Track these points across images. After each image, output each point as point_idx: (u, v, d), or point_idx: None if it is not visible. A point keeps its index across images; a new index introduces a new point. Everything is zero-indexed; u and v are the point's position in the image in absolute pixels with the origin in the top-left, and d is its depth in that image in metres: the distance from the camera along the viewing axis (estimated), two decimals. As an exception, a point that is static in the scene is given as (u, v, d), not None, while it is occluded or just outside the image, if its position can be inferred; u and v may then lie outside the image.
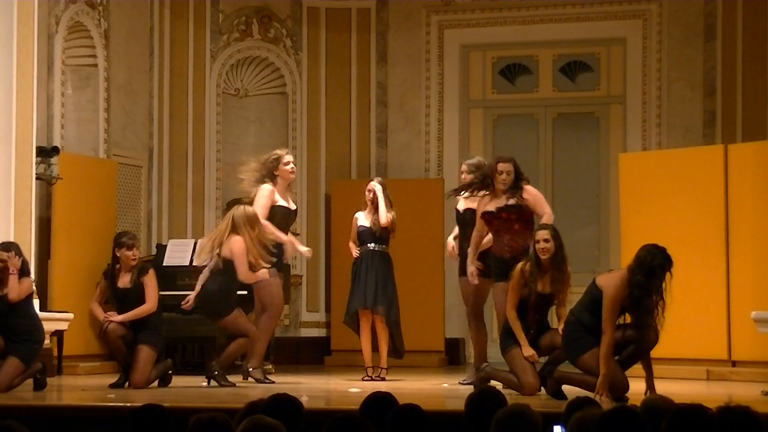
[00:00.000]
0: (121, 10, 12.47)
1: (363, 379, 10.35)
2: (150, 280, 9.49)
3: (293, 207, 10.50)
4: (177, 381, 10.05)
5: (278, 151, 10.53)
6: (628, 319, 8.21)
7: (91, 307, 9.73)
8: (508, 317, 8.58)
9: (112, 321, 9.39)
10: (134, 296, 9.46)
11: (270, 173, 10.35)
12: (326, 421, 4.27)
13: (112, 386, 9.25)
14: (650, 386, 8.20)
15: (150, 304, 9.45)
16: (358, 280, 10.53)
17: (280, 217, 10.30)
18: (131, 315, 9.42)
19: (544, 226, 8.78)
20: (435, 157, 13.64)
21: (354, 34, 13.76)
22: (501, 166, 9.19)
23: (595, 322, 8.00)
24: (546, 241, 8.50)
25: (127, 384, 9.35)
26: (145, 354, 9.39)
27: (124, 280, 9.52)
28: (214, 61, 13.52)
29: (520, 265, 8.62)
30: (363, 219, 10.68)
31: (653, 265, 7.96)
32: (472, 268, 9.39)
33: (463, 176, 9.92)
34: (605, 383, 7.89)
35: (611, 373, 7.92)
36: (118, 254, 9.55)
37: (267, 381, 9.90)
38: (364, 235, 10.63)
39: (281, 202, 10.33)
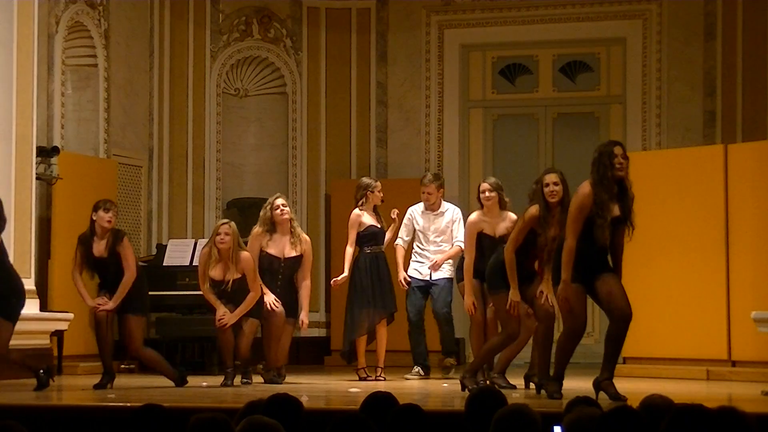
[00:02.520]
0: (121, 10, 12.47)
1: (361, 379, 10.36)
2: (125, 249, 9.37)
3: (289, 255, 10.15)
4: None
5: (270, 199, 10.33)
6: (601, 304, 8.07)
7: (74, 279, 9.48)
8: (507, 259, 8.52)
9: (104, 310, 9.31)
10: (112, 266, 9.34)
11: (268, 220, 10.20)
12: (329, 420, 4.26)
13: (96, 387, 9.17)
14: (609, 371, 7.96)
15: (130, 273, 9.33)
16: (378, 282, 10.46)
17: (267, 264, 10.09)
18: (119, 295, 9.29)
19: (552, 170, 8.77)
20: (435, 157, 13.64)
21: (354, 34, 13.76)
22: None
23: (580, 245, 7.85)
24: (555, 184, 8.48)
25: (110, 385, 9.27)
26: (133, 323, 9.35)
27: (100, 249, 9.37)
28: (214, 61, 13.52)
29: (533, 209, 8.54)
30: (370, 220, 10.60)
31: (599, 154, 7.88)
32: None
33: (485, 195, 9.59)
34: (567, 289, 7.78)
35: (570, 283, 7.77)
36: (94, 218, 9.38)
37: (277, 381, 9.91)
38: (379, 236, 10.56)
39: (269, 250, 10.13)
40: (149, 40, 12.98)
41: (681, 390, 8.39)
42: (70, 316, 10.80)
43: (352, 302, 10.54)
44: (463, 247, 9.97)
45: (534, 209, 8.53)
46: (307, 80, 13.73)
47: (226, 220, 9.90)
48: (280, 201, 10.21)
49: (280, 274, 10.14)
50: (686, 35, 12.96)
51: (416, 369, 10.60)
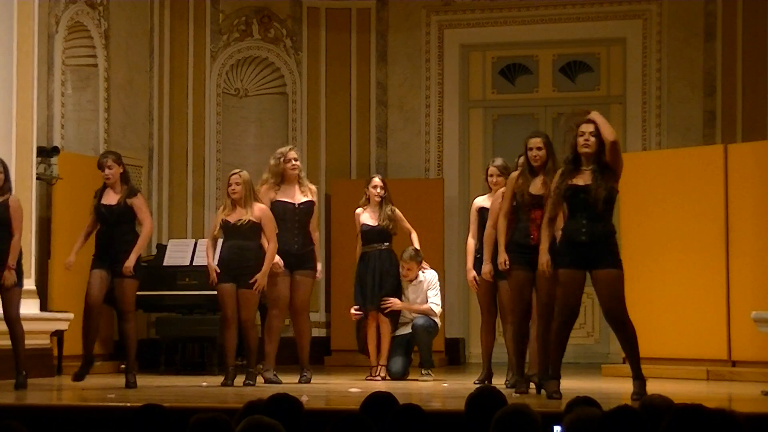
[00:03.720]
0: (121, 10, 12.48)
1: (367, 378, 10.36)
2: (140, 203, 9.36)
3: (300, 200, 10.09)
4: (177, 381, 10.05)
5: (282, 149, 10.28)
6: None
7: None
8: (499, 225, 8.68)
9: (127, 267, 9.17)
10: (116, 216, 9.26)
11: (280, 172, 10.13)
12: (329, 420, 4.27)
13: (76, 378, 9.15)
14: (633, 369, 8.04)
15: (148, 225, 9.36)
16: (367, 280, 10.49)
17: (281, 212, 10.00)
18: (139, 247, 9.27)
19: (537, 134, 8.90)
20: (435, 157, 13.64)
21: (354, 34, 13.76)
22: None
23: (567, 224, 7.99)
24: (539, 148, 8.60)
25: (87, 371, 9.24)
26: (128, 286, 9.26)
27: (110, 198, 9.34)
28: (214, 61, 13.52)
29: (514, 173, 8.74)
30: (367, 218, 10.61)
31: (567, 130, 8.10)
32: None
33: (493, 179, 9.72)
34: (543, 254, 7.99)
35: (548, 251, 8.00)
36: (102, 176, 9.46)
37: (277, 381, 9.88)
38: (370, 235, 10.57)
39: (281, 198, 10.07)
40: (149, 40, 12.98)
41: (681, 390, 8.39)
42: (70, 316, 10.80)
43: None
44: (434, 309, 10.64)
45: (515, 173, 8.72)
46: (307, 80, 13.74)
47: (237, 170, 9.86)
48: (293, 154, 10.20)
49: (296, 221, 10.06)
50: (686, 35, 12.96)
51: (425, 371, 10.53)
